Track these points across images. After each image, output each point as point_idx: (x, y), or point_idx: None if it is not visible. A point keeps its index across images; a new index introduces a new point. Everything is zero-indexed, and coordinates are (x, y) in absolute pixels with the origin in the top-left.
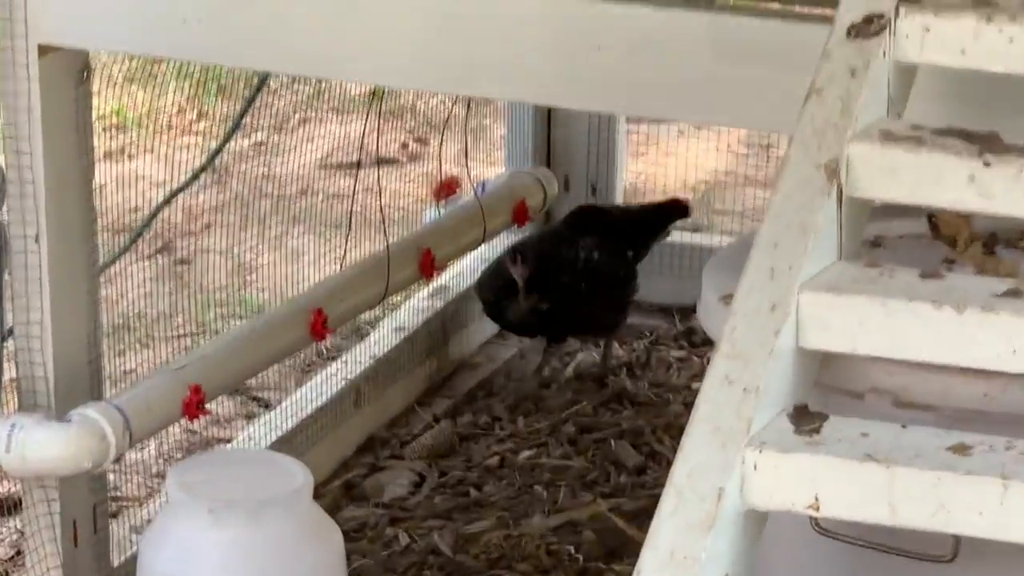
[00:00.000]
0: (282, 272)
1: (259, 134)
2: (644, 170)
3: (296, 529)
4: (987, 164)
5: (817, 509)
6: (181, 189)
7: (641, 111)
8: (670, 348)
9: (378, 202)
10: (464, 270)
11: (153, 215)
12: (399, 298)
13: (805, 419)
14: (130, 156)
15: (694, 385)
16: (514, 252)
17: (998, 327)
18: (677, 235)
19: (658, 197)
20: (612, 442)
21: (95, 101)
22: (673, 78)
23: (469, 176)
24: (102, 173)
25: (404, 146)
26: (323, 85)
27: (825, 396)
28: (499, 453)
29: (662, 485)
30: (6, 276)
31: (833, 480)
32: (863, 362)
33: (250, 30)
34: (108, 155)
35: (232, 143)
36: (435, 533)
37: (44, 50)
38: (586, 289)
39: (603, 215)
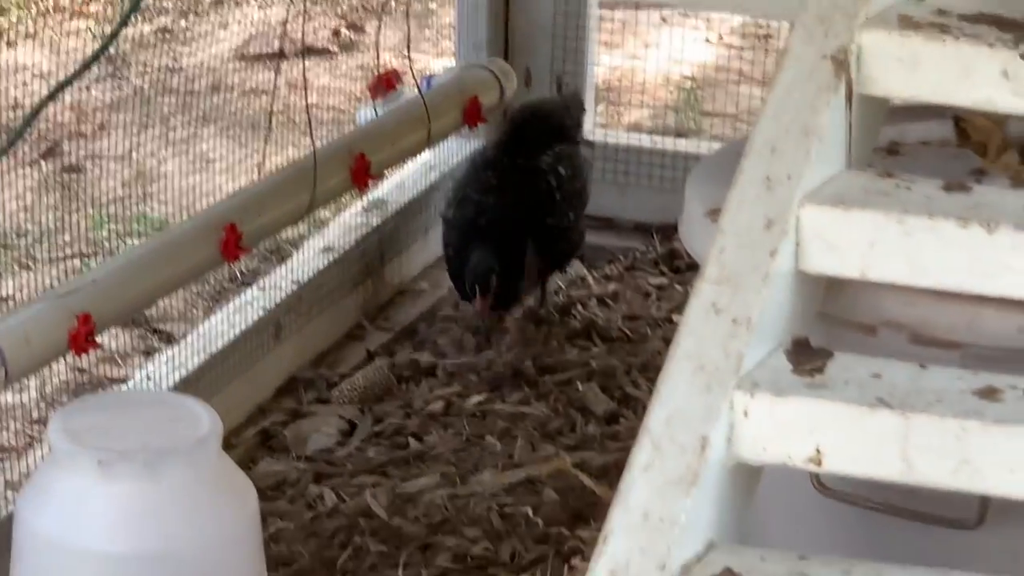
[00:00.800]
0: (189, 182)
1: (164, 18)
2: (620, 64)
3: (201, 485)
4: None
5: (819, 463)
6: (70, 82)
7: None
8: (648, 274)
9: (304, 99)
10: (405, 180)
11: (36, 112)
12: (327, 213)
13: (806, 356)
14: (9, 43)
15: (675, 317)
16: (473, 282)
17: None
18: (658, 140)
19: (635, 96)
20: (578, 385)
21: None
22: None
23: (412, 69)
24: None
25: (335, 34)
26: None
27: (830, 330)
28: (444, 397)
29: (638, 434)
30: None
31: (838, 429)
32: (875, 290)
33: None
34: None
35: (131, 28)
36: (367, 492)
37: None
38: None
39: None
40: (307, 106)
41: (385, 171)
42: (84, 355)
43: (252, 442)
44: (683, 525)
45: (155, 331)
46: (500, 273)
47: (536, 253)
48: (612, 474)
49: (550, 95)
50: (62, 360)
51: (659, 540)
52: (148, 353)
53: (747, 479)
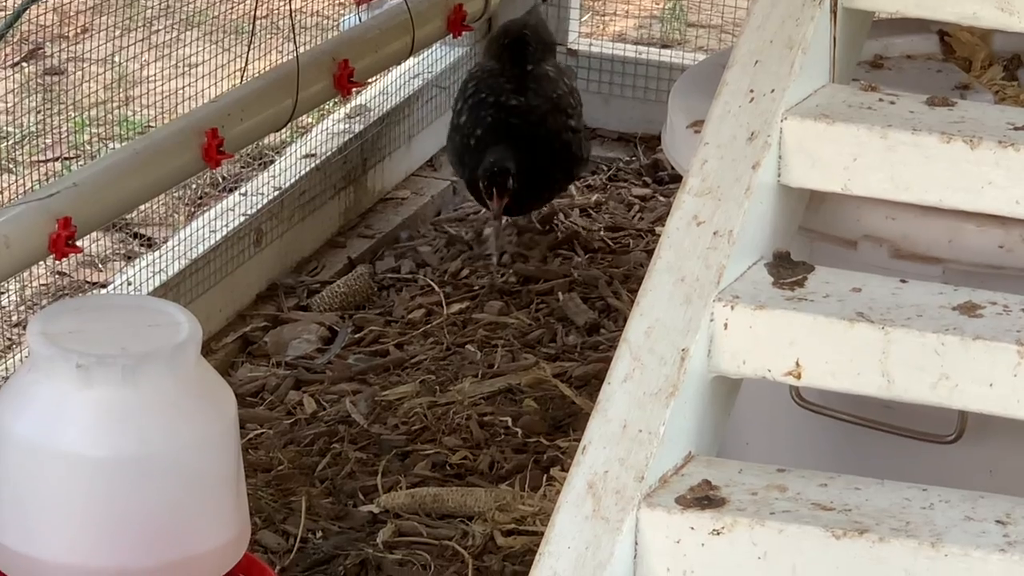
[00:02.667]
0: (171, 86)
1: None
2: None
3: (180, 390)
4: None
5: (798, 377)
6: None
7: None
8: (631, 185)
9: (288, 5)
10: (388, 87)
11: (18, 15)
12: (310, 119)
13: (786, 269)
14: None
15: (658, 229)
16: (490, 182)
17: (1018, 165)
18: (643, 51)
19: (621, 6)
20: (560, 295)
21: None
22: None
23: None
24: None
25: None
26: None
27: (811, 244)
28: (425, 306)
29: (617, 345)
30: None
31: (818, 343)
32: (857, 204)
33: None
34: None
35: None
36: (347, 399)
37: None
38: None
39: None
40: (291, 11)
41: (368, 78)
42: (64, 259)
43: (232, 348)
44: (662, 437)
45: (136, 236)
46: (518, 173)
47: (559, 160)
48: (592, 384)
49: (535, 7)
50: (42, 264)
51: (638, 451)
52: (129, 258)
53: (726, 392)
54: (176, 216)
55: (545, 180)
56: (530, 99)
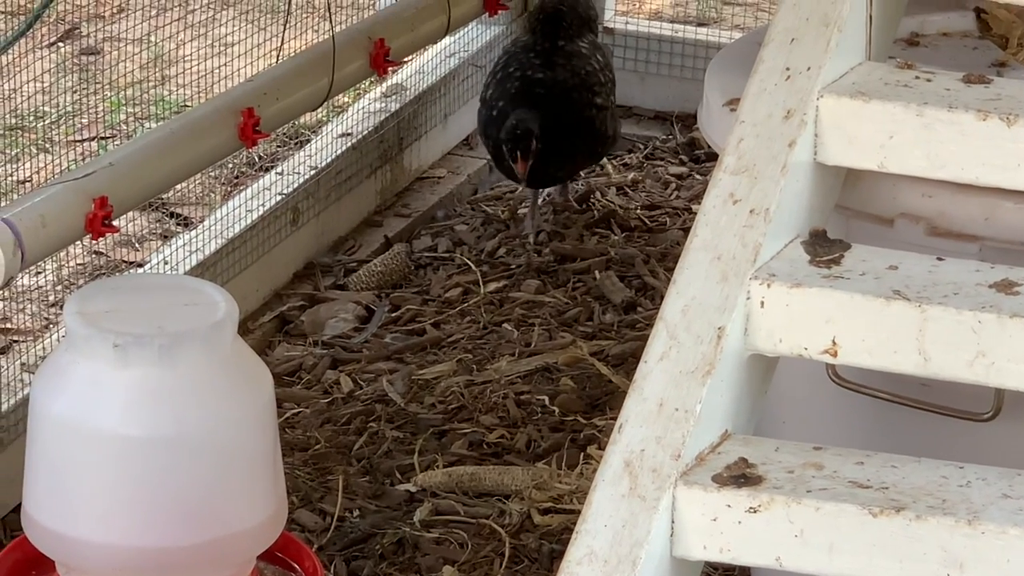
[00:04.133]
0: (207, 66)
1: None
2: None
3: (217, 370)
4: None
5: (835, 355)
6: None
7: None
8: (667, 163)
9: None
10: (424, 66)
11: None
12: (346, 98)
13: (823, 247)
14: None
15: (694, 207)
16: (513, 143)
17: None
18: (679, 29)
19: None
20: (596, 273)
21: None
22: None
23: None
24: None
25: None
26: None
27: (847, 222)
28: (462, 284)
29: (654, 324)
30: None
31: (854, 320)
32: (893, 182)
33: None
34: None
35: None
36: (384, 378)
37: None
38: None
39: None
40: None
41: (404, 57)
42: (101, 239)
43: (269, 327)
44: (698, 415)
45: (172, 215)
46: (541, 135)
47: (583, 134)
48: (629, 363)
49: None
50: (79, 243)
51: (674, 430)
52: (165, 237)
53: (762, 370)
54: (212, 196)
55: (568, 150)
56: (557, 74)
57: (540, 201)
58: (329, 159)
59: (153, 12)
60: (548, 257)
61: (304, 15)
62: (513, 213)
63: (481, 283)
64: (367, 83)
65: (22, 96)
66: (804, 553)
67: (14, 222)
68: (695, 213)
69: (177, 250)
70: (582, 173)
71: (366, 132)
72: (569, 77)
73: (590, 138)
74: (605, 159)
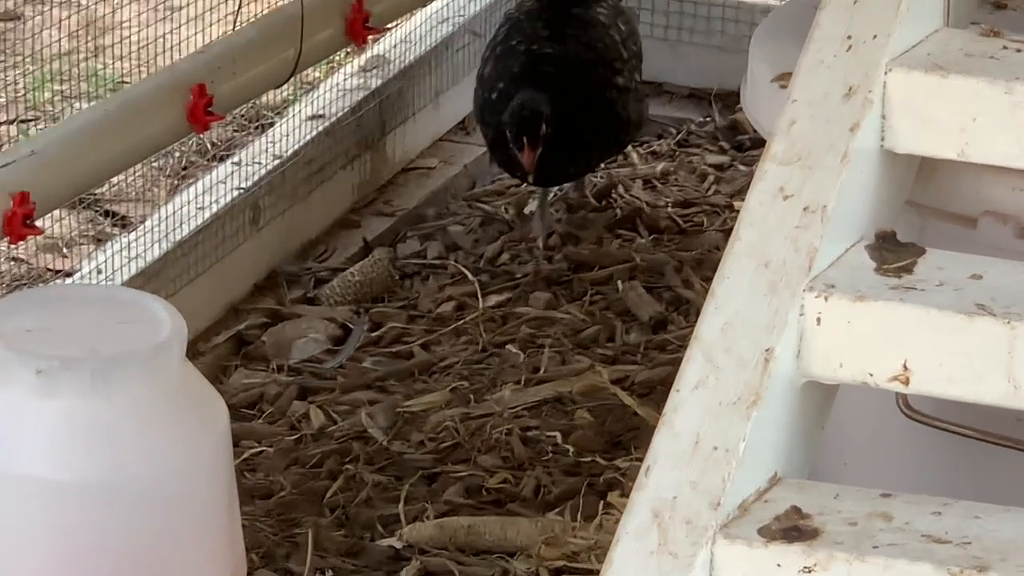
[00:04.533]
0: (149, 33)
1: None
2: None
3: (161, 401)
4: None
5: (906, 382)
6: None
7: None
8: (705, 151)
9: None
10: (411, 34)
11: None
12: (317, 72)
13: (892, 253)
14: None
15: (737, 204)
16: (519, 128)
17: None
18: None
19: None
20: (619, 284)
21: None
22: None
23: None
24: None
25: None
26: None
27: (921, 221)
28: (456, 298)
29: (688, 345)
30: None
31: (930, 341)
32: (976, 174)
33: None
34: None
35: None
36: (363, 411)
37: None
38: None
39: None
40: None
41: (388, 23)
42: (21, 242)
43: (224, 349)
44: (741, 455)
45: (107, 214)
46: (552, 118)
47: (602, 121)
48: (658, 392)
49: None
50: None
51: (712, 472)
52: (99, 241)
53: (819, 400)
54: (156, 190)
55: (582, 142)
56: (569, 48)
57: (551, 197)
58: (296, 146)
59: None
60: (561, 264)
61: None
62: (519, 211)
63: (480, 296)
64: (342, 54)
65: None
66: None
67: None
68: (737, 211)
69: (113, 256)
70: (602, 164)
71: (341, 114)
72: (583, 52)
73: (610, 127)
74: (629, 147)
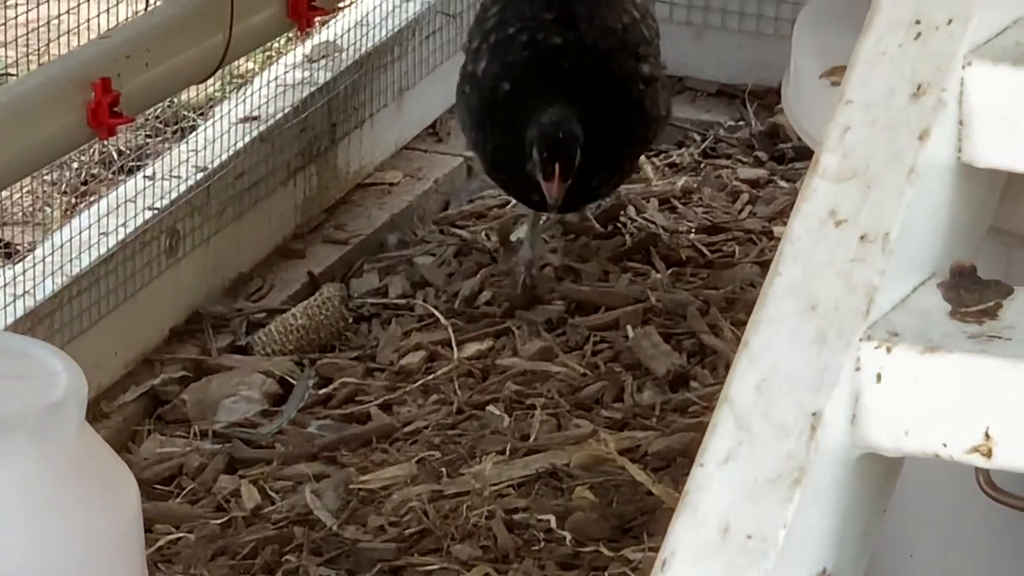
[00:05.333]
0: (40, 14)
1: None
2: None
3: (54, 476)
4: None
5: (988, 454)
6: None
7: None
8: (736, 162)
9: None
10: (368, 16)
11: None
12: (251, 63)
13: (971, 293)
14: None
15: (778, 230)
16: (552, 153)
17: None
18: None
19: None
20: (629, 330)
21: None
22: None
23: None
24: None
25: None
26: None
27: (1008, 253)
28: (425, 346)
29: (715, 407)
30: None
31: (1019, 403)
32: None
33: None
34: None
35: None
36: (307, 488)
37: None
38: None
39: None
40: None
41: (339, 2)
42: None
43: (134, 410)
44: (781, 546)
45: None
46: (585, 143)
47: (631, 126)
48: (677, 466)
49: None
50: None
51: (745, 568)
52: None
53: (880, 477)
54: (48, 211)
55: (615, 146)
56: (583, 35)
57: (543, 221)
58: (224, 156)
59: None
60: (556, 303)
61: None
62: (504, 239)
63: (454, 345)
64: (282, 41)
65: None
66: None
67: None
68: (777, 239)
69: None
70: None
71: (281, 115)
72: (601, 38)
73: (638, 127)
74: (643, 158)
